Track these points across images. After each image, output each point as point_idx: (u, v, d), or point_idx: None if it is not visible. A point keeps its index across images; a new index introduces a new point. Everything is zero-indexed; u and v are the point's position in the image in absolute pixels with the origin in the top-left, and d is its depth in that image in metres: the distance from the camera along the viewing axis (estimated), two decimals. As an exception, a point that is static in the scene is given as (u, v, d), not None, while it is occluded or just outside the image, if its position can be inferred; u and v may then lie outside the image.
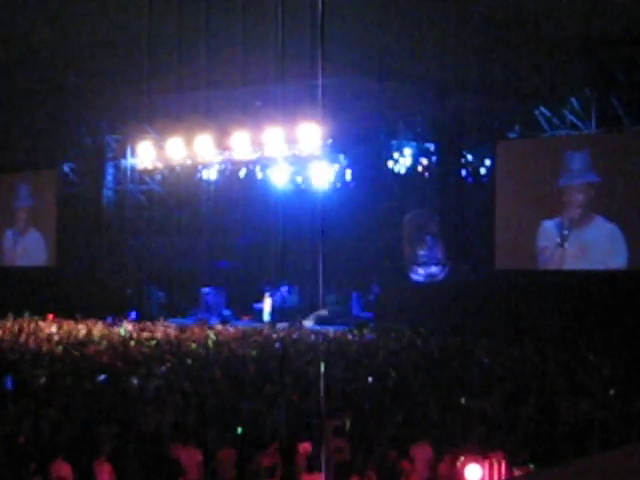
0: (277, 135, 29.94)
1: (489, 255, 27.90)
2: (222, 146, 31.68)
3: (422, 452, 11.08)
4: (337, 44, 21.69)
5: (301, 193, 32.24)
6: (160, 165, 33.86)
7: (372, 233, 30.77)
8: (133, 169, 34.93)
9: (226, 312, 33.18)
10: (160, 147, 33.11)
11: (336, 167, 31.52)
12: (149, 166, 34.08)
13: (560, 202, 26.37)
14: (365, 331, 26.82)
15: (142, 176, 34.99)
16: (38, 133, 35.88)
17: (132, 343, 22.69)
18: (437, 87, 28.56)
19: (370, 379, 16.47)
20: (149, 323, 29.12)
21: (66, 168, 37.25)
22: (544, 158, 26.88)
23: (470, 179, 29.89)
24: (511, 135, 28.06)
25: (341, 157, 31.45)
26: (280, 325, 28.67)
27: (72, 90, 32.64)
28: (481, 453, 10.15)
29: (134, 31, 27.67)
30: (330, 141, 29.96)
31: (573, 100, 26.27)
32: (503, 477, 9.87)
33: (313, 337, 24.25)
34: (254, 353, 20.55)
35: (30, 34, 28.81)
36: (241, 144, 31.04)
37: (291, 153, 30.41)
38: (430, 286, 29.29)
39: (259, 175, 33.38)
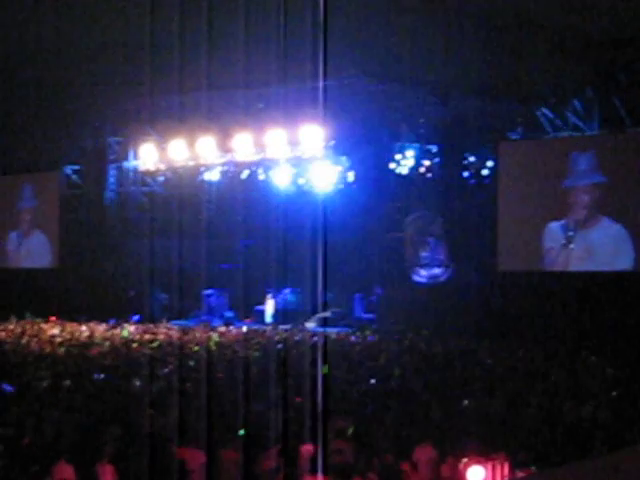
0: (279, 137, 29.95)
1: (492, 257, 27.89)
2: (224, 148, 31.70)
3: (425, 454, 11.07)
4: (339, 46, 21.70)
5: (303, 195, 32.22)
6: (162, 167, 33.88)
7: (374, 235, 30.75)
8: (135, 171, 34.95)
9: (229, 314, 33.19)
10: (162, 149, 33.13)
11: (338, 169, 31.50)
12: (151, 168, 34.10)
13: (565, 203, 26.31)
14: (367, 333, 26.82)
15: (144, 178, 35.00)
16: (40, 136, 35.88)
17: (134, 345, 22.69)
18: (439, 89, 28.55)
19: (373, 381, 16.47)
20: (151, 325, 29.12)
21: (68, 170, 37.28)
22: (547, 159, 26.84)
23: (472, 181, 29.86)
24: (513, 137, 28.07)
25: (343, 159, 31.43)
26: (283, 327, 28.67)
27: (74, 92, 32.64)
28: (484, 455, 10.13)
29: (136, 33, 27.66)
30: (332, 143, 29.96)
31: (575, 101, 26.26)
32: (506, 479, 9.86)
33: (315, 339, 24.24)
34: (256, 355, 20.55)
35: (32, 37, 28.83)
36: (243, 146, 31.05)
37: (293, 155, 30.42)
38: (433, 288, 29.27)
39: (261, 177, 33.38)
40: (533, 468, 10.18)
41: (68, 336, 25.13)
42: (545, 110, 26.86)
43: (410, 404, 14.10)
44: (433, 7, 24.79)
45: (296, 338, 24.96)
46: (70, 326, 28.31)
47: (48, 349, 21.78)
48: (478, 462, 9.91)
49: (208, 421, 12.92)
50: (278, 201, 32.94)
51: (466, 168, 29.85)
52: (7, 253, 39.45)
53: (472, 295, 27.52)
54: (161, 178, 34.87)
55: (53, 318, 31.49)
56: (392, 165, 30.40)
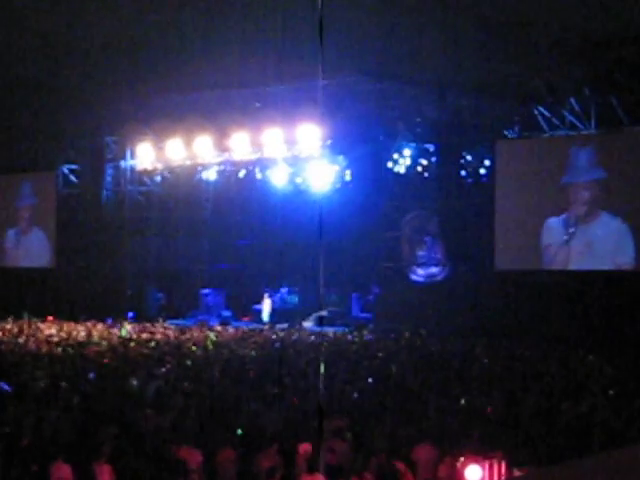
0: (276, 136, 29.95)
1: (489, 255, 27.90)
2: (221, 147, 31.70)
3: (425, 453, 11.07)
4: (336, 45, 21.67)
5: (300, 194, 32.23)
6: (159, 166, 33.88)
7: (371, 234, 30.77)
8: (132, 170, 34.94)
9: (226, 313, 33.20)
10: (159, 148, 33.12)
11: (335, 168, 31.51)
12: (148, 167, 34.09)
13: (564, 199, 26.29)
14: (365, 332, 26.84)
15: (141, 177, 35.00)
16: (37, 135, 35.87)
17: (132, 344, 22.68)
18: (436, 88, 28.56)
19: (370, 380, 16.47)
20: (149, 324, 29.12)
21: (65, 169, 37.27)
22: (546, 156, 26.84)
23: (470, 179, 29.88)
24: (510, 135, 28.08)
25: (340, 158, 31.44)
26: (280, 326, 28.68)
27: (71, 91, 32.61)
28: (481, 453, 10.14)
29: (133, 32, 27.66)
30: (329, 142, 29.97)
31: (572, 100, 26.28)
32: (503, 477, 9.87)
33: (313, 338, 24.25)
34: (254, 354, 20.55)
35: (30, 36, 28.80)
36: (240, 145, 31.05)
37: (290, 154, 30.43)
38: (430, 287, 29.29)
39: (258, 176, 33.39)
40: (530, 467, 10.19)
41: (65, 335, 25.11)
42: (542, 109, 26.88)
43: (407, 403, 14.10)
44: (430, 6, 24.79)
45: (293, 337, 24.98)
46: (67, 325, 28.29)
47: (45, 349, 21.75)
48: (475, 460, 9.91)
49: (206, 420, 12.93)
50: (275, 200, 32.97)
51: (463, 167, 29.88)
52: (5, 251, 39.37)
53: (469, 294, 27.54)
54: (158, 177, 34.86)
55: (50, 317, 31.48)
56: (389, 164, 30.41)
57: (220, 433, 12.01)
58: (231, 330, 27.96)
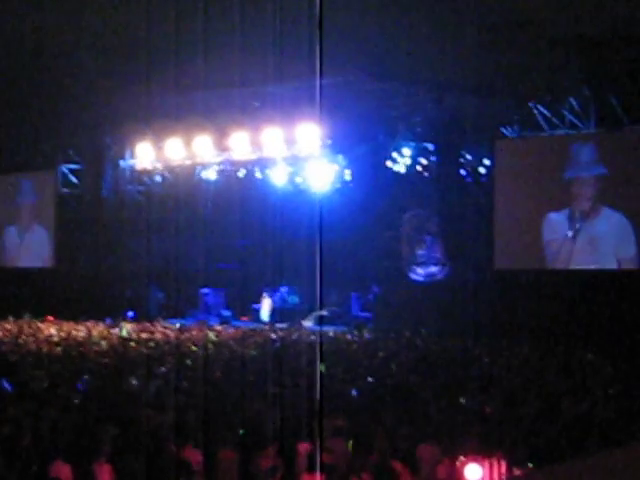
0: (276, 135, 29.94)
1: (489, 254, 27.89)
2: (221, 147, 31.69)
3: (427, 453, 11.06)
4: (335, 44, 21.66)
5: (300, 193, 32.22)
6: (159, 166, 33.87)
7: (371, 233, 30.75)
8: (132, 170, 34.92)
9: (225, 313, 33.19)
10: (159, 148, 33.11)
11: (335, 167, 31.50)
12: (148, 167, 34.08)
13: (567, 195, 26.20)
14: (364, 331, 26.83)
15: (141, 177, 34.98)
16: (36, 135, 35.86)
17: (132, 344, 22.68)
18: (435, 87, 28.55)
19: (370, 379, 16.47)
20: (148, 324, 29.11)
21: (65, 169, 37.24)
22: (544, 156, 26.81)
23: (469, 178, 29.87)
24: (510, 134, 28.07)
25: (340, 157, 31.42)
26: (279, 325, 28.67)
27: (71, 91, 32.61)
28: (481, 453, 10.14)
29: (132, 32, 27.65)
30: (329, 141, 29.96)
31: (572, 99, 26.27)
32: (503, 477, 9.86)
33: (312, 337, 24.24)
34: (253, 353, 20.54)
35: (29, 36, 28.79)
36: (240, 145, 31.04)
37: (290, 153, 30.43)
38: (429, 286, 29.28)
39: (258, 175, 33.37)
40: (530, 466, 10.19)
41: (65, 335, 25.10)
42: (542, 108, 26.87)
43: (407, 402, 14.09)
44: (429, 5, 24.79)
45: (293, 337, 24.97)
46: (67, 325, 28.27)
47: (45, 348, 21.75)
48: (475, 460, 9.91)
49: (205, 420, 12.92)
50: (275, 200, 32.94)
51: (463, 166, 29.85)
52: (6, 250, 39.33)
53: (469, 293, 27.51)
54: (158, 177, 34.84)
55: (50, 318, 31.46)
56: (389, 163, 30.39)
57: (220, 433, 12.00)
58: (231, 330, 27.94)
